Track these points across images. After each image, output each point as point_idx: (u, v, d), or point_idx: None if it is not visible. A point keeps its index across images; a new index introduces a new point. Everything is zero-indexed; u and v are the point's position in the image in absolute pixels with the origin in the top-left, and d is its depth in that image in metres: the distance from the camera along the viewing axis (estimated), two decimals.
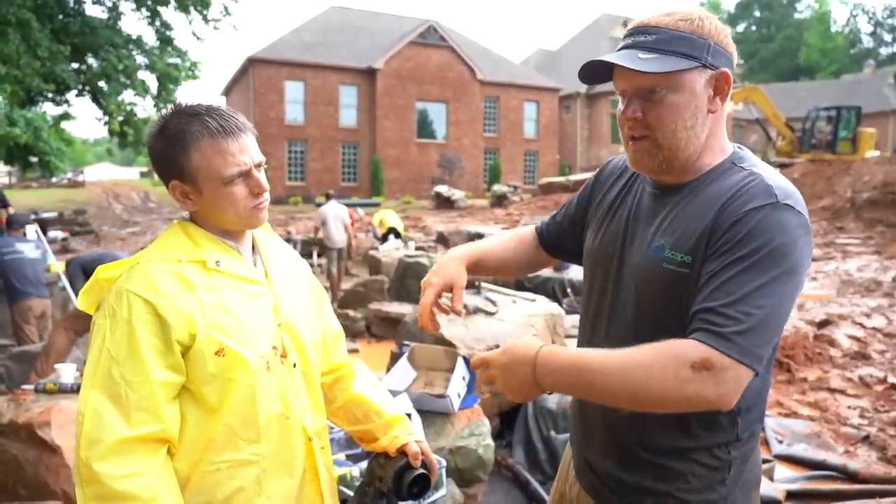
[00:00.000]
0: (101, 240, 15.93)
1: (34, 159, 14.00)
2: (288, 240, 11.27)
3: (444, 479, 2.37)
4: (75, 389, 2.77)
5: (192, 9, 15.31)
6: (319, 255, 10.00)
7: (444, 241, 13.35)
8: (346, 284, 8.77)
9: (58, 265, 6.47)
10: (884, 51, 51.36)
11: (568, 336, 4.28)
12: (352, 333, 6.66)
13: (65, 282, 6.02)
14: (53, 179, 28.81)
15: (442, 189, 23.53)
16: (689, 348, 0.94)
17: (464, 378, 2.78)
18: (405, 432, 1.33)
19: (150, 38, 15.89)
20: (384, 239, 10.84)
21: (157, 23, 15.68)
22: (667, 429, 1.11)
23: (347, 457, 2.39)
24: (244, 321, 1.15)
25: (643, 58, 1.05)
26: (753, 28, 59.15)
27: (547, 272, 8.32)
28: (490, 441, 2.71)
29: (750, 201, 1.02)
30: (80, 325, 4.10)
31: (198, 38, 16.60)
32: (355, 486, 2.11)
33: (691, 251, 1.06)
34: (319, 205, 11.80)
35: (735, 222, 1.01)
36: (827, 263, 10.08)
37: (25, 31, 12.07)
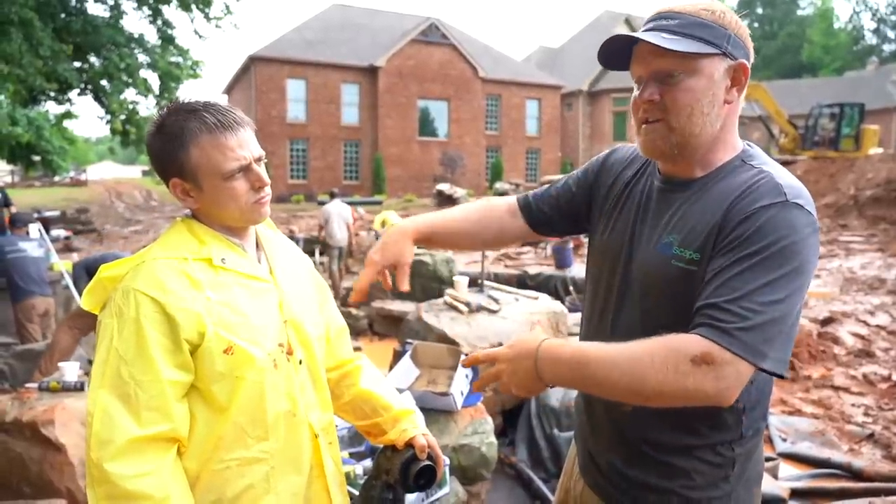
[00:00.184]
0: (103, 238, 15.95)
1: (37, 158, 14.02)
2: (291, 238, 11.24)
3: (447, 477, 2.37)
4: (79, 387, 2.77)
5: (193, 7, 15.30)
6: (321, 254, 10.01)
7: None
8: (348, 283, 8.77)
9: (60, 263, 6.48)
10: (887, 48, 51.18)
11: (571, 334, 4.27)
12: (354, 331, 6.67)
13: (68, 280, 6.03)
14: (56, 178, 28.83)
15: (444, 187, 23.48)
16: (689, 342, 0.95)
17: (467, 376, 2.77)
18: (412, 426, 1.35)
19: (152, 37, 15.89)
20: None
21: (159, 21, 15.68)
22: (672, 426, 1.11)
23: (351, 455, 2.39)
24: (251, 319, 1.15)
25: (668, 38, 1.05)
26: (756, 25, 58.92)
27: (549, 270, 8.33)
28: (493, 439, 2.71)
29: (759, 199, 1.02)
30: (84, 323, 4.11)
31: (200, 37, 16.56)
32: (359, 484, 2.11)
33: (700, 249, 1.06)
34: (322, 203, 11.80)
35: (743, 220, 1.01)
36: (830, 261, 10.05)
37: (28, 30, 12.08)
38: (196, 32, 17.07)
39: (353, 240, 9.53)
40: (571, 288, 7.62)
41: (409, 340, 3.30)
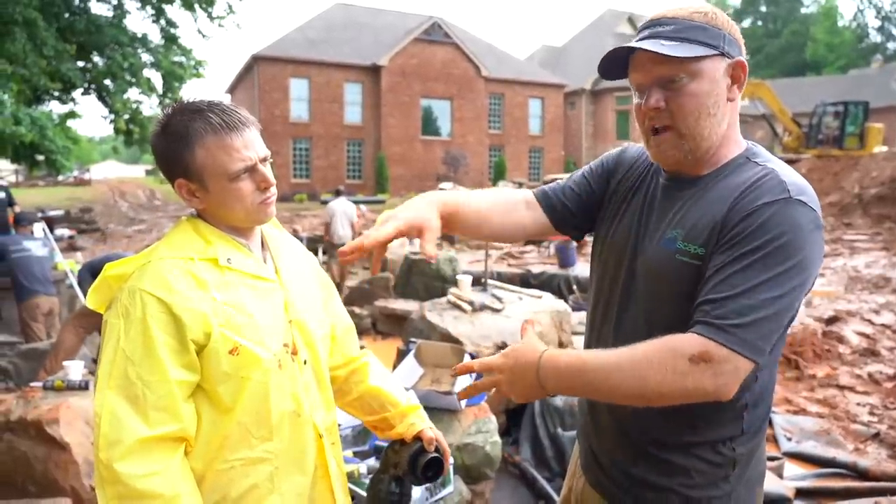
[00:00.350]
0: (107, 238, 15.98)
1: (40, 158, 14.08)
2: (294, 237, 11.24)
3: (451, 476, 2.37)
4: (83, 386, 2.78)
5: (196, 6, 15.34)
6: (325, 253, 10.02)
7: (449, 238, 13.35)
8: (352, 282, 8.77)
9: (65, 263, 6.50)
10: (892, 45, 50.93)
11: (574, 333, 4.27)
12: (358, 330, 6.60)
13: (72, 279, 6.05)
14: (60, 178, 28.91)
15: (447, 186, 23.49)
16: (686, 342, 0.96)
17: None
18: (420, 420, 1.39)
19: (155, 37, 15.96)
20: None
21: (162, 21, 15.73)
22: (673, 423, 1.11)
23: (355, 454, 2.39)
24: (257, 319, 1.14)
25: (667, 45, 1.05)
26: (759, 23, 58.79)
27: (553, 269, 8.32)
28: (497, 438, 2.70)
29: (762, 196, 1.02)
30: (89, 322, 4.11)
31: (203, 36, 16.63)
32: (363, 483, 2.11)
33: (704, 244, 1.06)
34: (325, 202, 11.79)
35: (746, 216, 1.02)
36: (835, 260, 10.02)
37: (31, 29, 12.12)
38: (199, 32, 17.15)
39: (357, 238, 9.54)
40: (575, 287, 7.62)
41: (413, 339, 3.30)
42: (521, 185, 22.61)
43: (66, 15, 14.35)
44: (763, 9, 58.29)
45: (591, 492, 1.28)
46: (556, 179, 1.45)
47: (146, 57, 15.67)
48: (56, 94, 14.63)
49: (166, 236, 1.19)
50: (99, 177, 38.00)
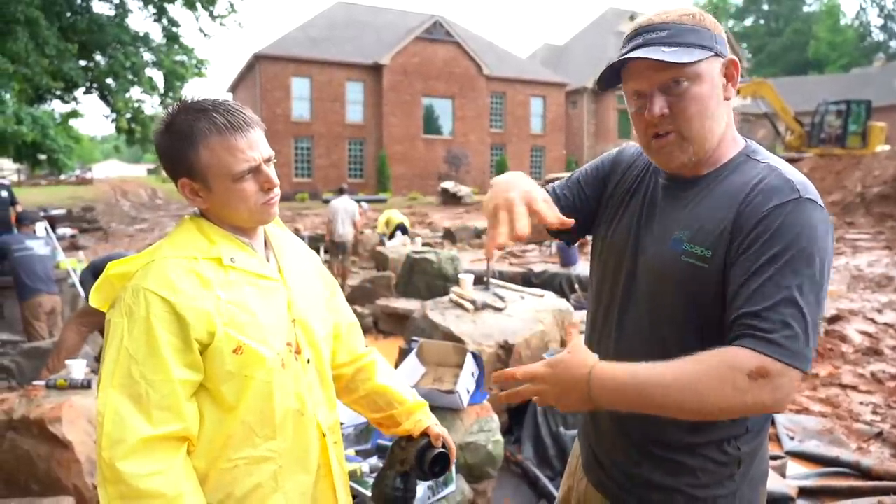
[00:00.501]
0: (109, 237, 16.00)
1: (42, 157, 14.11)
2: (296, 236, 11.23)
3: (453, 474, 2.36)
4: (86, 385, 2.78)
5: (198, 5, 15.34)
6: (326, 252, 10.03)
7: (450, 237, 13.35)
8: (354, 280, 8.77)
9: (67, 262, 6.51)
10: (894, 44, 50.83)
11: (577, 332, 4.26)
12: None
13: (74, 278, 6.06)
14: (62, 177, 28.98)
15: (448, 185, 23.51)
16: (743, 357, 0.94)
17: (473, 374, 2.77)
18: (427, 416, 1.41)
19: (157, 36, 16.01)
20: (392, 236, 10.85)
21: (164, 20, 15.74)
22: (676, 424, 1.10)
23: (357, 452, 2.39)
24: (260, 318, 1.14)
25: (667, 51, 1.05)
26: (762, 22, 58.67)
27: (554, 268, 8.32)
28: (499, 437, 2.70)
29: (772, 197, 1.02)
30: (92, 321, 4.12)
31: (204, 35, 16.63)
32: (365, 482, 2.11)
33: (712, 246, 1.06)
34: (327, 201, 11.79)
35: (760, 220, 1.01)
36: (837, 258, 10.00)
37: (34, 29, 12.13)
38: (201, 31, 17.16)
39: (358, 237, 9.54)
40: (577, 286, 7.61)
41: (415, 338, 3.30)
42: None
43: (68, 14, 14.37)
44: (765, 7, 58.17)
45: (594, 492, 1.27)
46: (557, 178, 1.44)
47: (148, 56, 15.69)
48: (58, 93, 14.65)
49: (169, 235, 1.19)
50: (101, 176, 38.04)
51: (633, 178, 1.26)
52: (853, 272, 8.96)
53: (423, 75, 29.26)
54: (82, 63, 14.82)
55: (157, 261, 1.11)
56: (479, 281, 4.59)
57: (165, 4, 15.44)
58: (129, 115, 15.57)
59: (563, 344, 3.92)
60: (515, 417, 3.60)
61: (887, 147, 18.88)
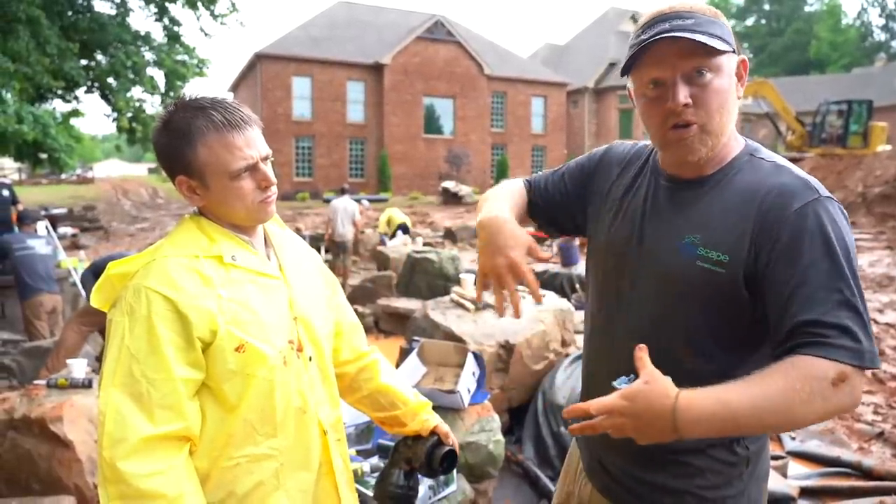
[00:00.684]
0: (110, 236, 16.01)
1: (43, 156, 14.10)
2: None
3: (454, 474, 2.36)
4: (87, 384, 2.78)
5: (199, 5, 15.33)
6: (327, 251, 10.03)
7: (451, 236, 13.36)
8: (355, 280, 8.77)
9: (68, 261, 6.51)
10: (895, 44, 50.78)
11: (577, 332, 4.26)
12: None
13: (75, 277, 6.06)
14: (63, 176, 29.00)
15: (449, 185, 23.50)
16: (821, 367, 0.93)
17: (473, 374, 2.77)
18: (432, 416, 1.43)
19: (158, 35, 15.98)
20: (393, 235, 10.85)
21: (165, 19, 15.73)
22: None
23: (358, 452, 2.39)
24: (262, 316, 1.14)
25: (702, 37, 1.02)
26: (763, 22, 58.62)
27: (555, 268, 8.31)
28: (500, 437, 2.70)
29: (794, 199, 1.02)
30: (92, 321, 4.12)
31: (205, 34, 16.64)
32: (366, 482, 2.11)
33: (728, 251, 1.04)
34: (328, 201, 11.79)
35: (788, 224, 1.00)
36: None
37: (35, 28, 12.12)
38: (202, 30, 17.15)
39: (359, 237, 9.54)
40: (577, 286, 7.60)
41: (416, 338, 3.29)
42: None
43: (70, 13, 14.36)
44: (766, 7, 58.11)
45: (600, 497, 1.26)
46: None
47: (149, 55, 15.67)
48: (59, 92, 14.63)
49: (170, 234, 1.19)
50: (102, 175, 38.09)
51: (630, 177, 1.24)
52: None
53: (424, 75, 29.25)
54: (83, 62, 14.80)
55: (159, 260, 1.11)
56: None
57: (166, 4, 15.42)
58: (130, 115, 15.56)
59: (563, 344, 3.92)
60: (516, 417, 3.60)
61: (888, 147, 18.86)
